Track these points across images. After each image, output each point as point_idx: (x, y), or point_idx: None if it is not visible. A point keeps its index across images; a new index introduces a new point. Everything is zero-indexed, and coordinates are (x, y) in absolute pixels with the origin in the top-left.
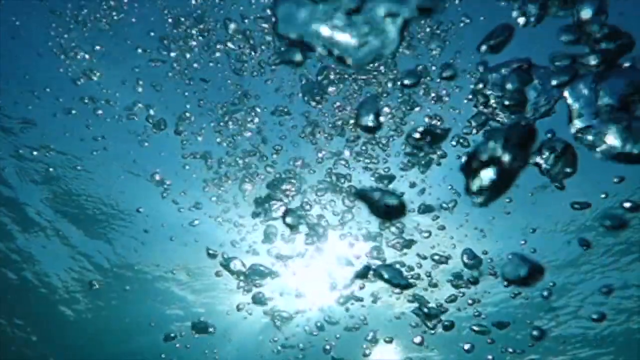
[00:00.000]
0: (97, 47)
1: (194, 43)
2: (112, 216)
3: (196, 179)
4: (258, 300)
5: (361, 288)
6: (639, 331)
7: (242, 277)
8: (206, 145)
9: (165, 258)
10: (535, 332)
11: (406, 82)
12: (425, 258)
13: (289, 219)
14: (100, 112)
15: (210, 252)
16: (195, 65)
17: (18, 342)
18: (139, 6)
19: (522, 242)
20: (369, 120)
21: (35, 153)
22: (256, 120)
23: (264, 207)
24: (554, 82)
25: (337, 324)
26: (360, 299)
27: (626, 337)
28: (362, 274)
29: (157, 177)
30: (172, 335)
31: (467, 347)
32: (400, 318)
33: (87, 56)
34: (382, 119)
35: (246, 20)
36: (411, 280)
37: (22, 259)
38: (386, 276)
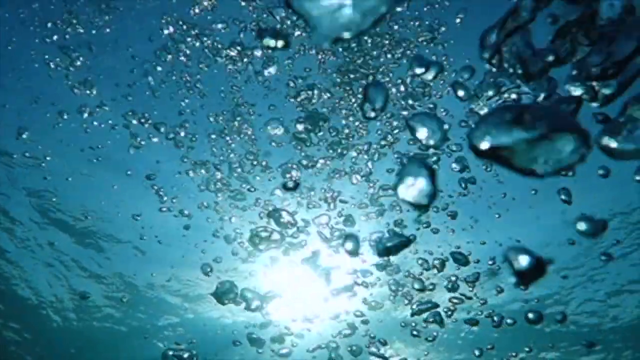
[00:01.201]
0: (95, 57)
1: (189, 51)
2: (105, 225)
3: (193, 187)
4: (254, 341)
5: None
6: (629, 329)
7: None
8: (202, 152)
9: (161, 266)
10: (531, 315)
11: (417, 71)
12: (427, 266)
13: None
14: (91, 114)
15: (208, 271)
16: (189, 75)
17: (15, 345)
18: (138, 11)
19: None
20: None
21: (27, 154)
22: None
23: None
24: None
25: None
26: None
27: (615, 334)
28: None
29: (153, 185)
30: (171, 353)
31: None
32: (406, 326)
33: (80, 59)
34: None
35: (242, 32)
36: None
37: (13, 266)
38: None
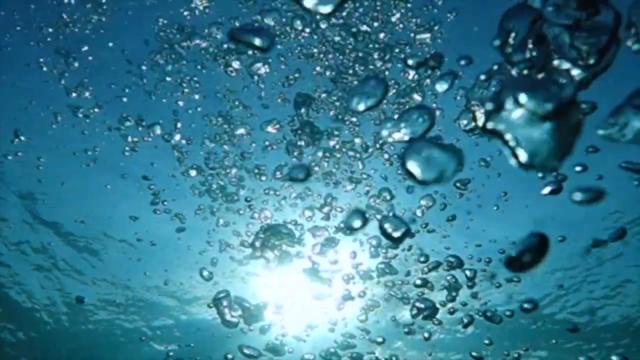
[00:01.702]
0: (90, 58)
1: (184, 53)
2: (99, 227)
3: (188, 190)
4: (247, 355)
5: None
6: (620, 328)
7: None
8: (197, 154)
9: (156, 268)
10: (526, 305)
11: (410, 62)
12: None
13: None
14: (86, 116)
15: (206, 275)
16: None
17: (10, 346)
18: (134, 10)
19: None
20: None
21: (19, 153)
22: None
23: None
24: None
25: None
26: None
27: (606, 333)
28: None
29: (150, 186)
30: None
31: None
32: (404, 326)
33: (75, 60)
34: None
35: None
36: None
37: (4, 268)
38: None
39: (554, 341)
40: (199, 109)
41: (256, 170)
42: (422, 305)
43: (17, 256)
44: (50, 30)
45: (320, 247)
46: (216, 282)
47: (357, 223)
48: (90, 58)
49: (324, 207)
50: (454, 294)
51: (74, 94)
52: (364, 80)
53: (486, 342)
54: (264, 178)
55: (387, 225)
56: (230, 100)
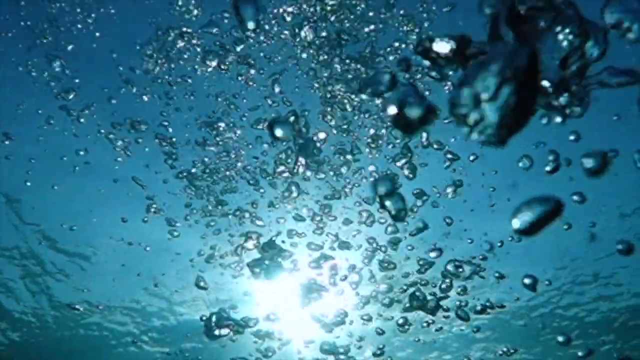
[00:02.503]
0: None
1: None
2: (90, 229)
3: (180, 194)
4: None
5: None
6: (605, 325)
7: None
8: (189, 158)
9: (147, 270)
10: (527, 280)
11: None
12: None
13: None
14: (78, 119)
15: (202, 284)
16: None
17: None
18: (125, 14)
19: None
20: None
21: (8, 157)
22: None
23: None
24: None
25: None
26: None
27: (594, 329)
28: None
29: (144, 187)
30: None
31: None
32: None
33: (64, 63)
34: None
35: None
36: None
37: None
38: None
39: (565, 338)
40: (190, 110)
41: (248, 175)
42: (420, 296)
43: (4, 260)
44: (39, 32)
45: (315, 261)
46: (208, 287)
47: (381, 189)
48: (81, 60)
49: (316, 217)
50: (448, 283)
51: (63, 96)
52: (374, 73)
53: (475, 329)
54: (254, 181)
55: (388, 203)
56: (222, 100)
